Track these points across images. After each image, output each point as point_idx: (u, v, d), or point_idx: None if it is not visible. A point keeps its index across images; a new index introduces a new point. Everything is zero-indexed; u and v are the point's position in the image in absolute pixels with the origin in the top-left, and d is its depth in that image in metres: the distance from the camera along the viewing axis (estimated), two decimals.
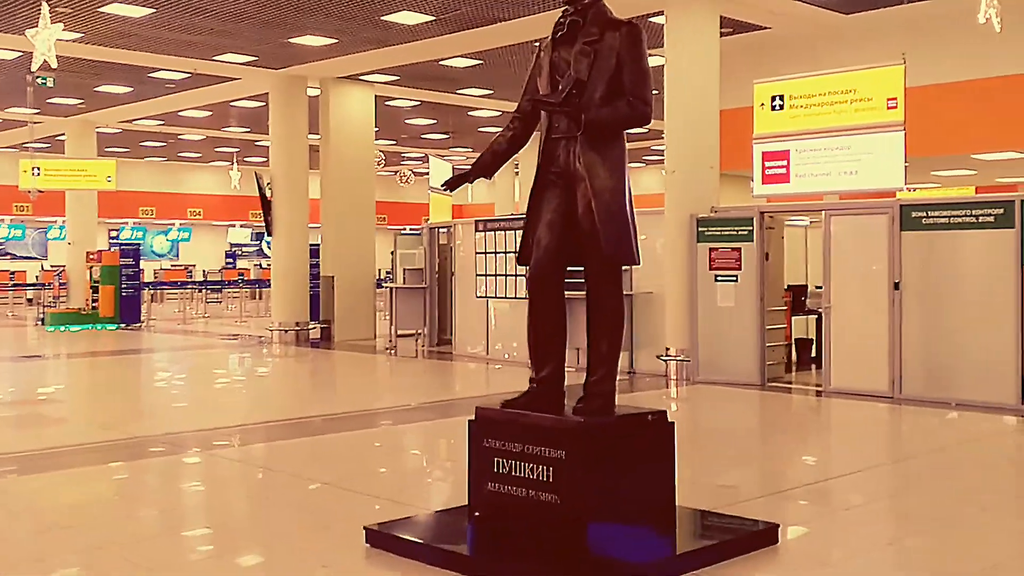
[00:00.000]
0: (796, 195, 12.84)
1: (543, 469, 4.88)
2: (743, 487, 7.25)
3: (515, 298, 15.14)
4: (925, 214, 11.53)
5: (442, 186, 5.90)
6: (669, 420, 5.24)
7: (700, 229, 13.40)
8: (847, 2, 14.00)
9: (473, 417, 5.30)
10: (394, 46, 17.08)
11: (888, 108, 11.79)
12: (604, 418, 5.02)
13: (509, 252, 15.24)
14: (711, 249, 13.31)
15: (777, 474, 8.09)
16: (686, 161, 13.56)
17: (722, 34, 13.85)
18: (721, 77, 13.63)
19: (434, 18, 15.17)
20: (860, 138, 12.03)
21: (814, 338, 14.81)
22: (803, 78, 12.66)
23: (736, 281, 13.06)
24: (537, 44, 5.40)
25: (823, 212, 12.56)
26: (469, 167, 5.47)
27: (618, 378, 5.23)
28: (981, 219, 11.04)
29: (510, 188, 31.83)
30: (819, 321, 13.63)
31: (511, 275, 15.15)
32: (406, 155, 35.51)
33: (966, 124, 14.36)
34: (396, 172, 33.21)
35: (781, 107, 12.76)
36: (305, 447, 8.94)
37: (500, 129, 5.49)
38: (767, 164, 12.91)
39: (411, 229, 24.83)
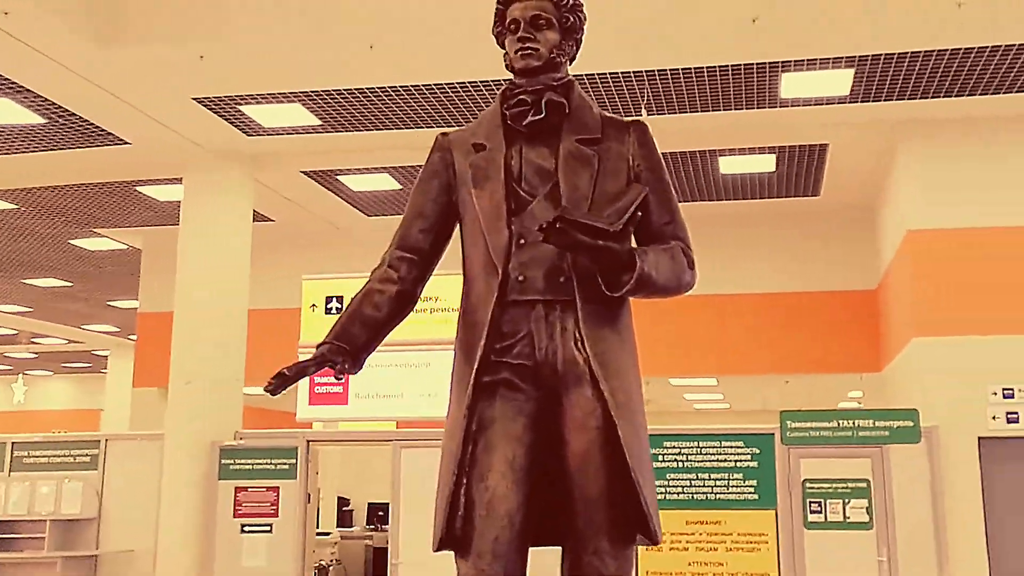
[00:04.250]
0: (357, 420, 10.27)
1: None
2: None
3: None
4: None
5: (266, 388, 2.90)
6: None
7: (224, 462, 10.07)
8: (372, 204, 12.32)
9: None
10: None
11: None
12: None
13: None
14: (238, 488, 9.99)
15: None
16: (203, 371, 10.28)
17: (258, 218, 11.20)
18: (256, 269, 10.85)
19: None
20: (443, 354, 9.95)
21: None
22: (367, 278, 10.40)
23: (270, 532, 9.85)
24: (440, 135, 3.05)
25: (392, 443, 10.06)
26: (313, 353, 2.96)
27: None
28: None
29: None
30: None
31: None
32: None
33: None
34: None
35: (339, 310, 10.26)
36: None
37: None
38: (317, 380, 10.24)
39: None
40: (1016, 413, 8.84)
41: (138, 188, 11.83)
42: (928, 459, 8.82)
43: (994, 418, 8.87)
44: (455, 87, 8.73)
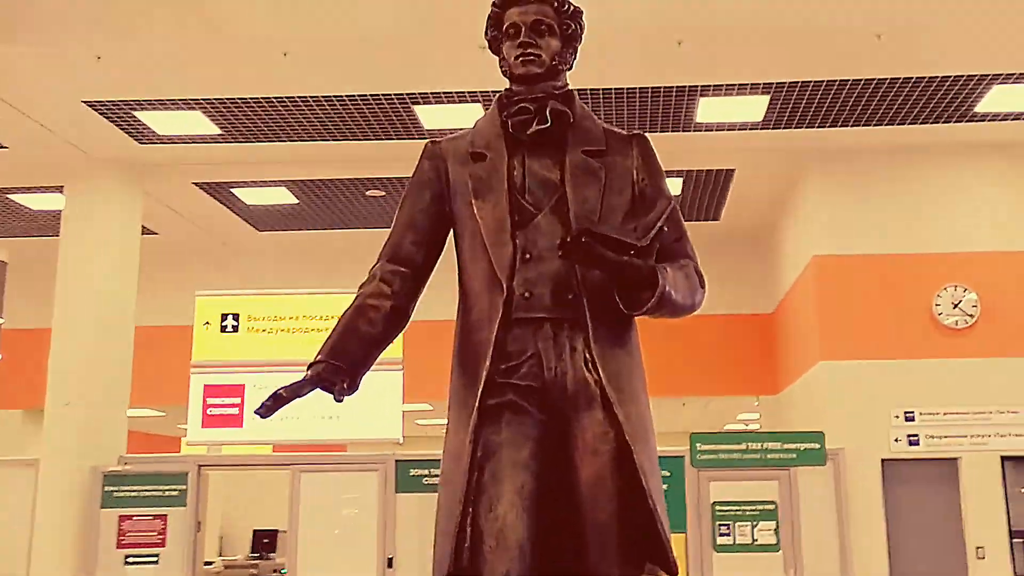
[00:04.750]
0: (254, 443, 9.81)
1: None
2: None
3: None
4: (427, 472, 9.37)
5: (258, 410, 2.73)
6: None
7: (107, 488, 9.46)
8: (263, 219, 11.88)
9: None
10: None
11: None
12: None
13: None
14: (122, 517, 9.40)
15: None
16: (84, 392, 9.64)
17: (146, 231, 10.62)
18: (144, 283, 10.27)
19: None
20: None
21: None
22: (268, 295, 10.00)
23: (157, 563, 9.31)
24: (429, 143, 2.85)
25: (291, 468, 9.63)
26: (304, 374, 2.73)
27: None
28: None
29: None
30: None
31: None
32: None
33: None
34: None
35: (235, 328, 9.86)
36: None
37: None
38: (211, 401, 9.79)
39: None
40: (917, 436, 9.07)
41: (10, 196, 11.05)
42: (833, 481, 8.95)
43: (896, 440, 9.08)
44: (367, 99, 8.44)
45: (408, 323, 2.87)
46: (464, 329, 2.71)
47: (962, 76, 7.95)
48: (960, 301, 9.21)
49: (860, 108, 8.56)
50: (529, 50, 2.75)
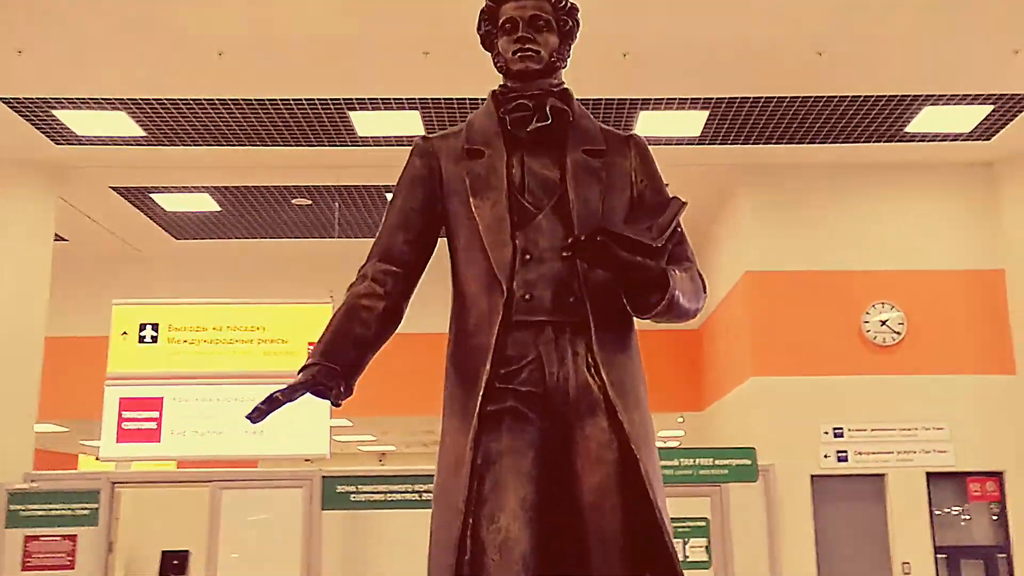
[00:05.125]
0: (171, 459, 9.44)
1: None
2: None
3: None
4: (355, 488, 9.10)
5: (250, 415, 2.63)
6: None
7: (13, 507, 8.95)
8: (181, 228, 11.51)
9: None
10: None
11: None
12: None
13: None
14: (28, 537, 8.90)
15: None
16: None
17: (58, 237, 10.16)
18: (56, 292, 9.82)
19: None
20: (272, 389, 9.25)
21: None
22: (191, 304, 9.62)
23: None
24: (420, 139, 2.76)
25: (211, 484, 9.26)
26: (296, 378, 2.60)
27: None
28: (426, 496, 9.06)
29: None
30: None
31: None
32: None
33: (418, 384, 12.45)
34: None
35: (154, 339, 9.47)
36: None
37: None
38: (127, 415, 9.36)
39: None
40: (845, 452, 9.17)
41: None
42: (764, 497, 8.97)
43: (825, 456, 9.16)
44: (302, 103, 8.22)
45: (400, 324, 2.74)
46: (460, 332, 2.60)
47: (896, 96, 8.11)
48: (888, 319, 9.37)
49: (796, 126, 8.66)
50: (528, 45, 2.68)
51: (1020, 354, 9.30)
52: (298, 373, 2.56)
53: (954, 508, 9.23)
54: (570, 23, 2.75)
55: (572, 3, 2.77)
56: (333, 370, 2.54)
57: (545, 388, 2.50)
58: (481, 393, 2.46)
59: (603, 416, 2.48)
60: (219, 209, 10.81)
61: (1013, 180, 9.53)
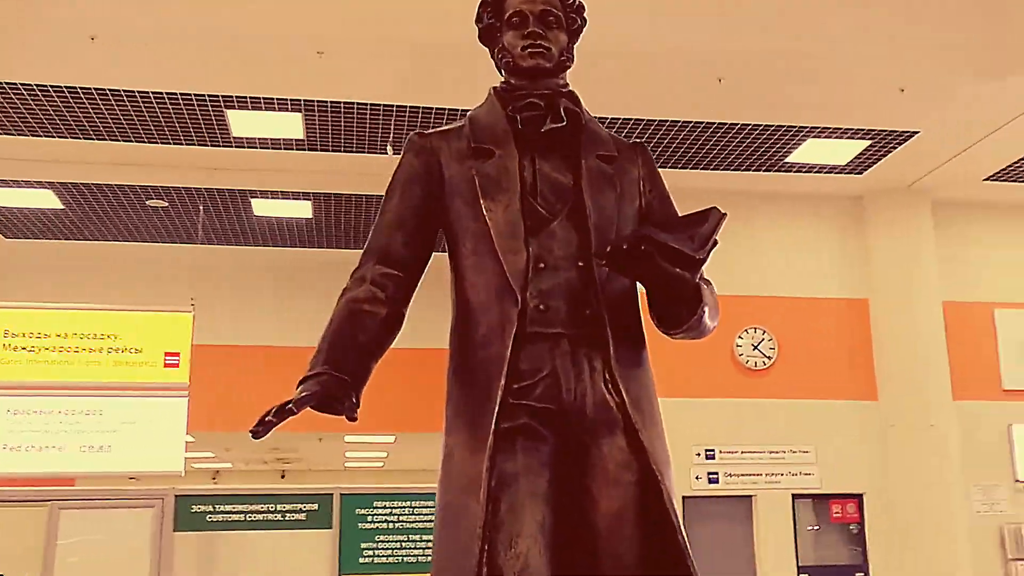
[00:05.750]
0: (7, 478, 8.68)
1: None
2: None
3: None
4: (211, 508, 8.60)
5: (255, 428, 2.38)
6: None
7: None
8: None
9: None
10: None
11: (166, 365, 8.86)
12: None
13: None
14: None
15: None
16: None
17: None
18: None
19: None
20: (122, 402, 8.80)
21: None
22: (32, 308, 8.88)
23: None
24: (416, 136, 2.58)
25: (49, 504, 8.53)
26: (301, 389, 2.38)
27: None
28: (289, 517, 8.65)
29: None
30: None
31: None
32: None
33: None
34: None
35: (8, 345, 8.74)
36: None
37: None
38: None
39: None
40: (716, 473, 9.27)
41: None
42: None
43: (697, 478, 9.23)
44: (176, 97, 7.68)
45: (401, 330, 2.58)
46: (467, 344, 2.44)
47: (783, 126, 8.26)
48: (760, 342, 9.55)
49: (683, 151, 8.71)
50: (539, 42, 2.56)
51: (882, 381, 9.66)
52: (298, 386, 2.35)
53: (817, 528, 9.50)
54: (579, 21, 2.66)
55: (580, 1, 2.67)
56: (343, 380, 2.36)
57: (561, 405, 2.37)
58: (497, 409, 2.31)
59: (621, 435, 2.37)
60: (63, 207, 9.99)
61: (879, 214, 9.91)
